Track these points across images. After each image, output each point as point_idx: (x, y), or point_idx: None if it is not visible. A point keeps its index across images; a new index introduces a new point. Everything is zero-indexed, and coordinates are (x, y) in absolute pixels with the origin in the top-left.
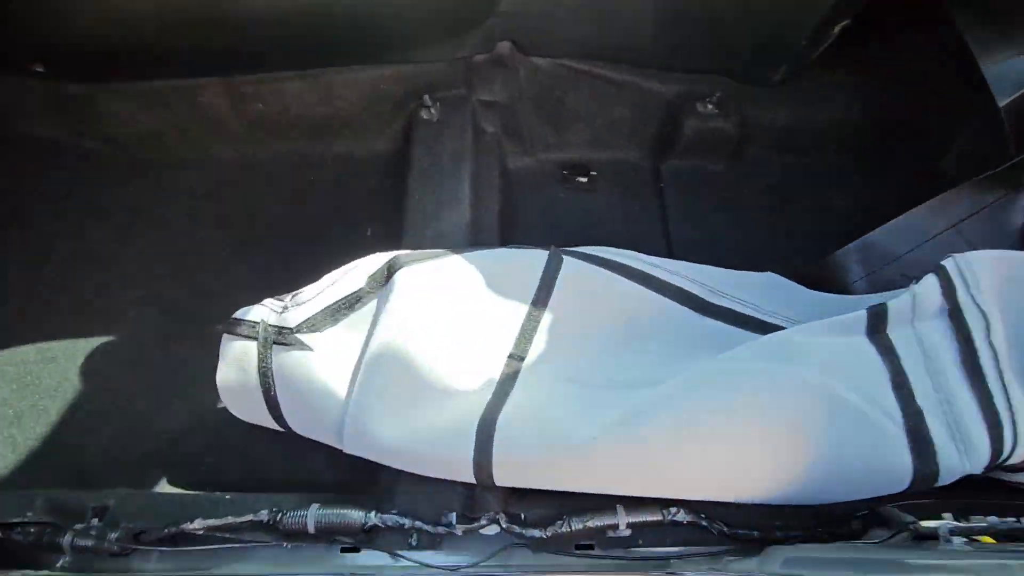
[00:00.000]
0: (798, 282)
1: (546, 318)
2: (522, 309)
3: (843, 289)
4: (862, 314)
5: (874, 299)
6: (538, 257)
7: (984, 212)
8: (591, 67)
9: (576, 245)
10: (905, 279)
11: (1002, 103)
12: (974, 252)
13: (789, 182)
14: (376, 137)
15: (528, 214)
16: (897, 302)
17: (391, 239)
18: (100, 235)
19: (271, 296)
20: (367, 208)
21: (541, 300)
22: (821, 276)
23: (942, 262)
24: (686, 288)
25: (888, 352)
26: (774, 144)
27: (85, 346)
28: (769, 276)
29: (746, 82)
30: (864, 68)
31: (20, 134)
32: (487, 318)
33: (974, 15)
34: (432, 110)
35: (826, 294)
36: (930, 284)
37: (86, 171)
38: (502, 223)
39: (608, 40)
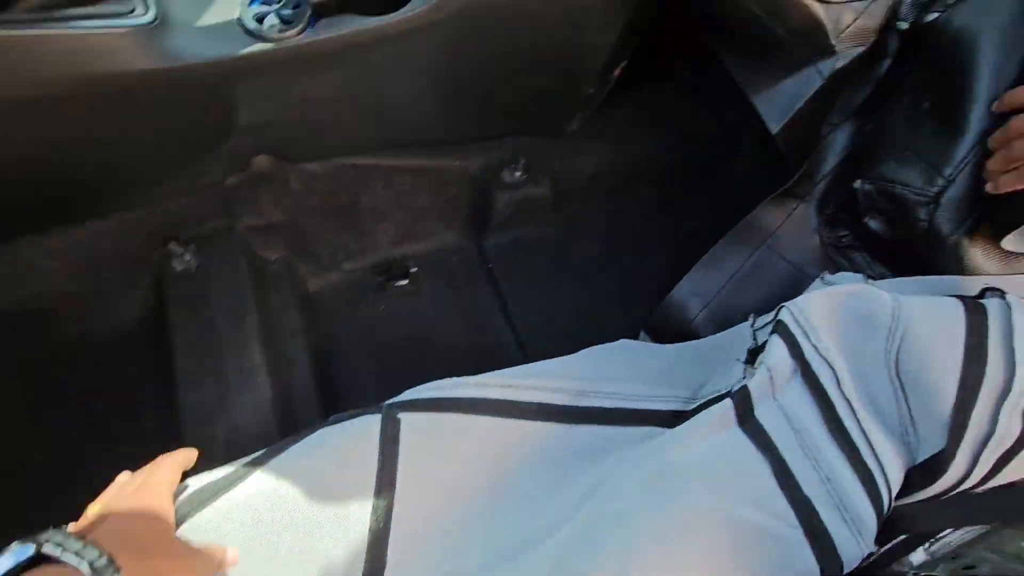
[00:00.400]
0: (650, 333)
1: (396, 511)
2: (366, 510)
3: (688, 328)
4: (728, 404)
5: (722, 342)
6: (371, 426)
7: (786, 223)
8: (377, 160)
9: (413, 363)
10: (736, 298)
11: (774, 131)
12: (804, 297)
13: (613, 226)
14: (113, 310)
15: (347, 342)
16: (756, 380)
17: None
18: None
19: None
20: (121, 409)
21: (385, 487)
22: (667, 319)
23: (779, 316)
24: (546, 401)
25: (762, 440)
26: (588, 192)
27: None
28: (622, 345)
29: (545, 137)
30: (653, 104)
31: None
32: (325, 543)
33: (736, 54)
34: (186, 256)
35: (679, 346)
36: (777, 348)
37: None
38: (318, 375)
39: (389, 129)
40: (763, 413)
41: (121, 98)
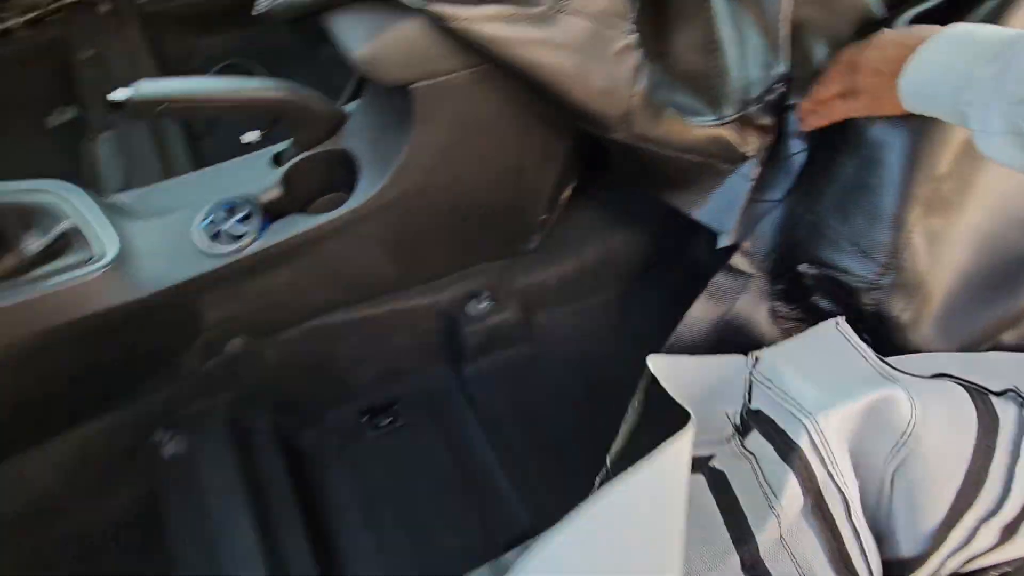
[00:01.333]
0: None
1: None
2: None
3: None
4: (735, 563)
5: (709, 378)
6: None
7: (740, 300)
8: (349, 314)
9: (401, 506)
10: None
11: (724, 241)
12: (828, 418)
13: (583, 328)
14: (108, 503)
15: (337, 493)
16: (765, 536)
17: None
18: None
19: None
20: None
21: None
22: None
23: (798, 442)
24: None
25: None
26: (556, 300)
27: None
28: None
29: (508, 257)
30: (611, 203)
31: None
32: None
33: (661, 186)
34: (172, 443)
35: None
36: (790, 487)
37: None
38: (313, 547)
39: (353, 291)
40: (770, 560)
41: (91, 332)
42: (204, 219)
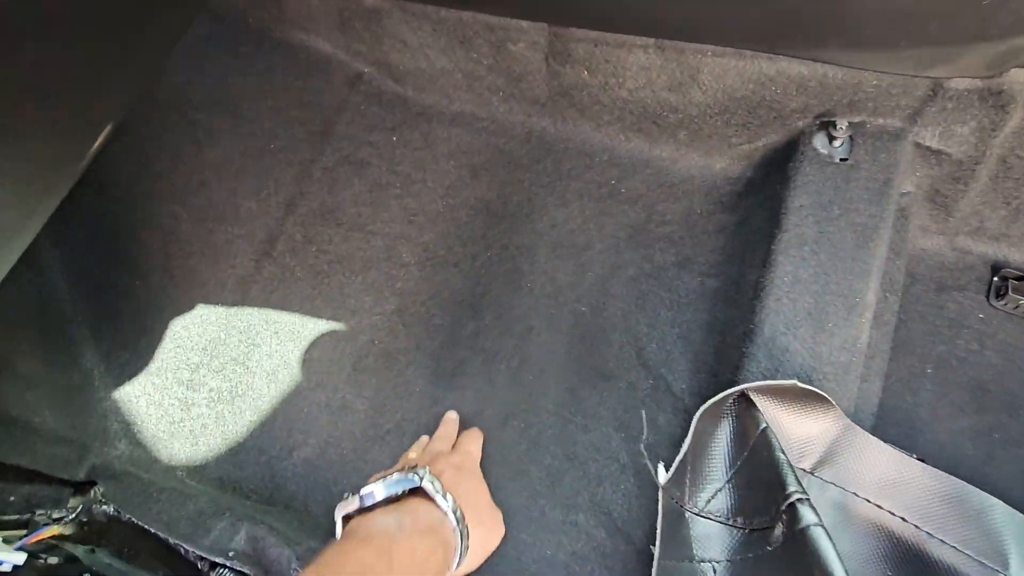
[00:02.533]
0: None
1: None
2: None
3: None
4: None
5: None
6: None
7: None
8: None
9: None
10: None
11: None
12: None
13: None
14: (720, 153)
15: (917, 333)
16: None
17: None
18: (352, 188)
19: None
20: (679, 247)
21: None
22: None
23: None
24: None
25: None
26: None
27: (312, 330)
28: None
29: None
30: None
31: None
32: None
33: None
34: (836, 141)
35: None
36: None
37: (351, 98)
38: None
39: None
40: None
41: None
42: None
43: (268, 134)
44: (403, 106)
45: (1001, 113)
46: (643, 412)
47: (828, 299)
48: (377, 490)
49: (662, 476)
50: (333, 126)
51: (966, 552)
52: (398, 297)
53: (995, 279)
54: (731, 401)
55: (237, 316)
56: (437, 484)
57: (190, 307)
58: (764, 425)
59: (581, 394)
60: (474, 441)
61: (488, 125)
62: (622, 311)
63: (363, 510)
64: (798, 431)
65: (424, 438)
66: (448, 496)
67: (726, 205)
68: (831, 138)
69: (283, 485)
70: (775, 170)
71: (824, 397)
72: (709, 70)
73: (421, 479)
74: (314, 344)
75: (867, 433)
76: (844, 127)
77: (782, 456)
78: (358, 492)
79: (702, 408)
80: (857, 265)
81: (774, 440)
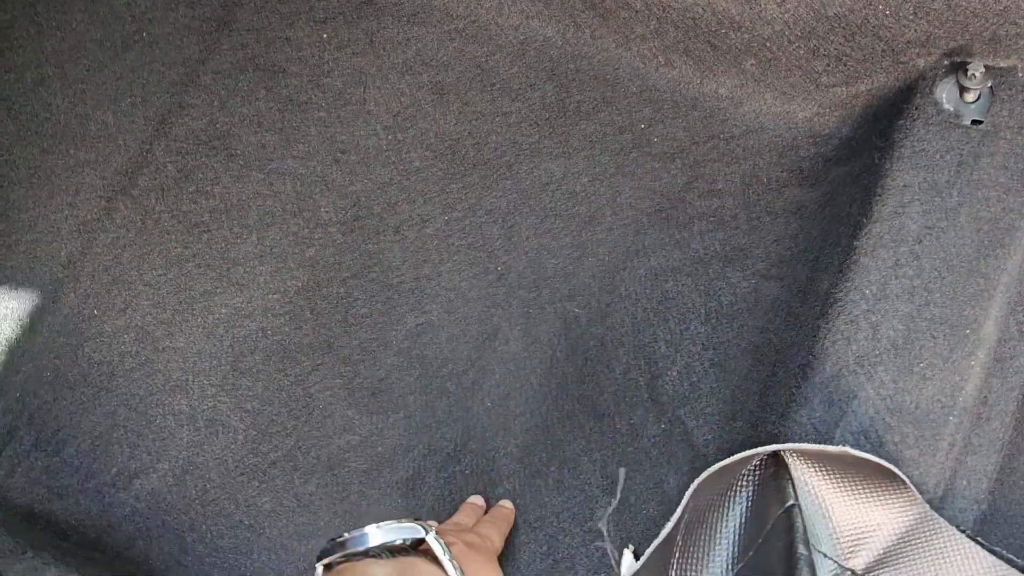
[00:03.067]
0: None
1: None
2: None
3: None
4: None
5: None
6: None
7: None
8: None
9: None
10: None
11: None
12: None
13: None
14: (806, 96)
15: None
16: None
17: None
18: (255, 104)
19: None
20: (731, 232)
21: None
22: None
23: None
24: None
25: None
26: None
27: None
28: None
29: None
30: None
31: None
32: None
33: None
34: (968, 94)
35: None
36: None
37: None
38: None
39: None
40: None
41: None
42: None
43: (139, 17)
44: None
45: None
46: (622, 470)
47: (925, 326)
48: (372, 533)
49: (627, 566)
50: (235, 12)
51: None
52: (308, 270)
53: None
54: (757, 464)
55: (73, 276)
56: (445, 546)
57: (6, 260)
58: (791, 503)
59: (559, 435)
60: (497, 527)
61: (465, 26)
62: (634, 320)
63: (350, 555)
64: (850, 516)
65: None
66: (456, 563)
67: (807, 175)
68: (962, 89)
69: (117, 524)
70: (880, 130)
71: (894, 473)
72: None
73: (427, 532)
74: (178, 326)
75: (954, 529)
76: (979, 74)
77: (803, 551)
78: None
79: (707, 472)
80: (975, 281)
81: (799, 524)
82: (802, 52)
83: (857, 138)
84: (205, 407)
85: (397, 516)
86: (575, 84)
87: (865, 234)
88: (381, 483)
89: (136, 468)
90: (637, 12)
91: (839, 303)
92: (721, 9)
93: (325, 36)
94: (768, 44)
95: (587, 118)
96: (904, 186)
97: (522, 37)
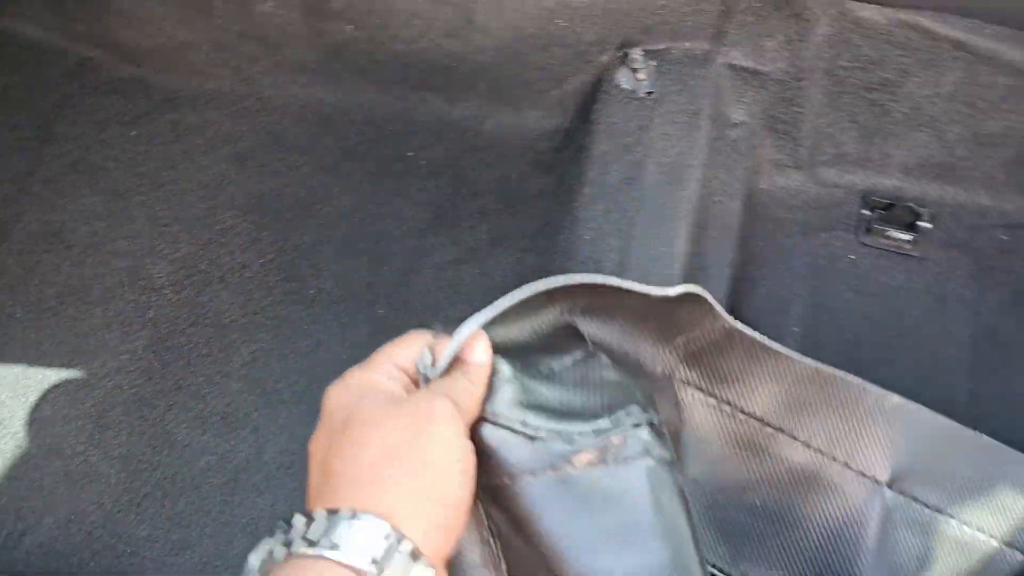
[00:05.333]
0: None
1: None
2: None
3: None
4: None
5: None
6: None
7: None
8: (972, 35)
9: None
10: None
11: None
12: None
13: None
14: (531, 103)
15: (778, 286)
16: None
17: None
18: (83, 201)
19: None
20: (494, 222)
21: None
22: None
23: None
24: None
25: None
26: None
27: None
28: None
29: None
30: None
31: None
32: None
33: None
34: (639, 73)
35: None
36: None
37: (74, 90)
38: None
39: None
40: None
41: None
42: None
43: None
44: (143, 92)
45: (801, 21)
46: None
47: (634, 254)
48: None
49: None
50: (53, 126)
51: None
52: (151, 328)
53: (863, 212)
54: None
55: None
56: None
57: None
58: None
59: None
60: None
61: (252, 104)
62: (430, 306)
63: None
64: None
65: None
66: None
67: (544, 165)
68: (634, 71)
69: None
70: (585, 115)
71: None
72: (483, 8)
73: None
74: (44, 399)
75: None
76: (639, 56)
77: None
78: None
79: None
80: (665, 212)
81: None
82: (517, 69)
83: (572, 127)
84: (78, 463)
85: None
86: (350, 131)
87: (580, 195)
88: (240, 489)
89: (23, 528)
90: (383, 63)
91: (570, 251)
92: (446, 48)
93: (135, 133)
94: (489, 68)
95: (364, 157)
96: (604, 152)
97: (301, 103)
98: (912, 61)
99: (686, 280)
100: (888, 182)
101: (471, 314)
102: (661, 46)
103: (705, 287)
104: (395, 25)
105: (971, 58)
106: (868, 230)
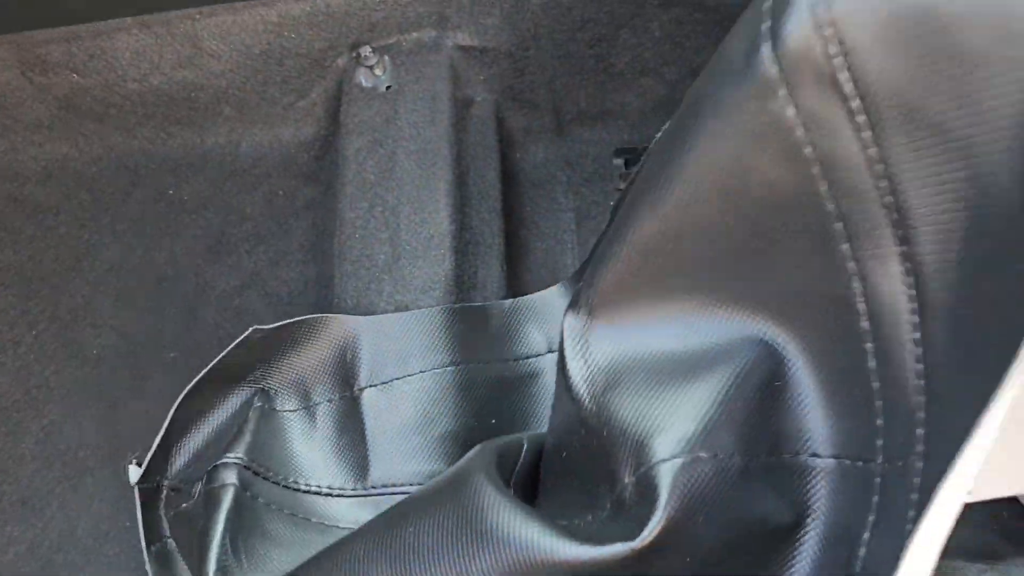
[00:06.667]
0: None
1: None
2: None
3: None
4: None
5: None
6: None
7: None
8: None
9: None
10: None
11: None
12: None
13: None
14: (279, 118)
15: (552, 242)
16: None
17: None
18: None
19: None
20: (270, 242)
21: None
22: None
23: None
24: None
25: None
26: None
27: None
28: None
29: None
30: None
31: None
32: None
33: None
34: (375, 70)
35: None
36: None
37: None
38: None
39: None
40: None
41: None
42: None
43: None
44: None
45: None
46: None
47: (402, 243)
48: None
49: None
50: None
51: None
52: None
53: (615, 160)
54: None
55: None
56: None
57: None
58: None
59: None
60: None
61: None
62: (223, 339)
63: None
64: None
65: None
66: None
67: (308, 176)
68: (371, 68)
69: None
70: (331, 114)
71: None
72: (209, 34)
73: None
74: None
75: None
76: (371, 53)
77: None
78: None
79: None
80: (424, 194)
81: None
82: (258, 87)
83: (327, 133)
84: None
85: None
86: (103, 181)
87: (341, 196)
88: (58, 573)
89: None
90: (120, 106)
91: (344, 252)
92: (180, 79)
93: None
94: (230, 91)
95: (123, 202)
96: (356, 151)
97: (43, 163)
98: (621, 13)
99: (459, 256)
100: (632, 128)
101: None
102: (391, 40)
103: (479, 259)
104: (122, 66)
105: (669, 2)
106: (622, 176)
